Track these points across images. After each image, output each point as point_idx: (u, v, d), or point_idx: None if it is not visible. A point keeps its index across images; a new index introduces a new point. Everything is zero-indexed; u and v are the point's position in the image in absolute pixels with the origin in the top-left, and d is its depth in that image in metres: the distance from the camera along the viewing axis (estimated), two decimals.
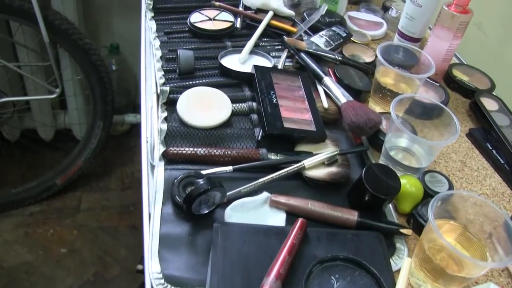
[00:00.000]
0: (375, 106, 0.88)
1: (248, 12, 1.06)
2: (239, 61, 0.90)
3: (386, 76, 0.85)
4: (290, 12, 1.06)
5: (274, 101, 0.77)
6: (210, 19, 1.01)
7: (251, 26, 1.03)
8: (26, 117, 1.88)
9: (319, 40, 0.98)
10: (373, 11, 1.20)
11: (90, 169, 1.83)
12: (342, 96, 0.81)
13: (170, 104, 0.80)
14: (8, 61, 1.61)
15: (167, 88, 0.80)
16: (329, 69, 0.92)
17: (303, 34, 1.03)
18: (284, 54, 0.93)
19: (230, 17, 1.03)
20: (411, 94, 0.76)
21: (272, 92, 0.79)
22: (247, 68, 0.87)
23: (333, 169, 0.70)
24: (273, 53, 0.96)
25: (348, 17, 1.14)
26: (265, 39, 1.01)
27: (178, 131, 0.75)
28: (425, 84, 0.93)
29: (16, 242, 1.71)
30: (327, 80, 0.85)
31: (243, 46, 0.93)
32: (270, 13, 1.03)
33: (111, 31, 1.89)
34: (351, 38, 1.05)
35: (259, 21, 1.01)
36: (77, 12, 1.63)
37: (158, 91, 0.81)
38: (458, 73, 1.01)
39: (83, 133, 1.82)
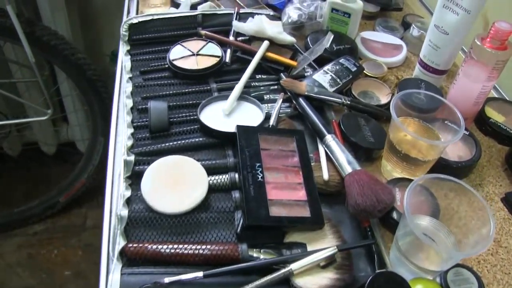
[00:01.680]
0: (388, 163, 0.72)
1: (240, 40, 0.90)
2: (223, 113, 0.75)
3: (403, 130, 0.69)
4: (291, 39, 0.89)
5: (259, 178, 0.62)
6: (193, 54, 0.85)
7: (243, 59, 0.87)
8: (27, 132, 1.79)
9: (323, 78, 0.81)
10: (391, 29, 1.01)
11: (95, 184, 1.73)
12: (347, 164, 0.65)
13: (136, 176, 0.66)
14: (3, 78, 1.52)
15: (131, 158, 0.66)
16: (333, 122, 0.76)
17: (306, 67, 0.86)
18: (279, 100, 0.78)
19: (218, 51, 0.86)
20: (432, 175, 0.59)
21: (257, 164, 0.64)
22: (232, 123, 0.70)
23: (329, 276, 0.56)
24: (268, 96, 0.81)
25: (360, 40, 0.96)
26: (259, 76, 0.85)
27: (141, 217, 0.61)
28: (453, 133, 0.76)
29: (18, 265, 1.65)
30: (330, 140, 0.69)
31: (230, 89, 0.78)
32: (266, 44, 0.86)
33: (115, 38, 1.76)
34: (364, 71, 0.87)
35: (253, 53, 0.85)
36: (70, 23, 1.50)
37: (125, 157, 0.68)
38: (492, 113, 0.83)
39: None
